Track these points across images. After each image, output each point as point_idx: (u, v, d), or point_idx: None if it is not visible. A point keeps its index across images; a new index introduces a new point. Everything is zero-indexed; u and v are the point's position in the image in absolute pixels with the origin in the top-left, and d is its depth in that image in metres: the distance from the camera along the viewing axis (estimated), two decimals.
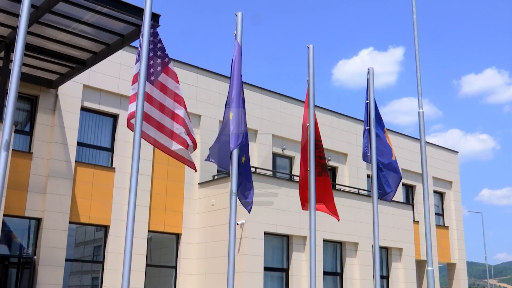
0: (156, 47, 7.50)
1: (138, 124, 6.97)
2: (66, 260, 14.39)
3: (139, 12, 10.96)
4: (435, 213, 25.96)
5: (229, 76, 8.29)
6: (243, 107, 8.05)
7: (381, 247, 18.18)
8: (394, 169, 10.41)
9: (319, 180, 9.21)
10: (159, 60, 7.54)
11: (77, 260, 15.29)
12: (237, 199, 7.87)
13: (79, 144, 15.42)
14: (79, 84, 15.29)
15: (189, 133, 7.71)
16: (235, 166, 7.82)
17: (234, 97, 7.93)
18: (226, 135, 7.96)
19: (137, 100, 7.04)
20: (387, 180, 10.29)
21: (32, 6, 10.37)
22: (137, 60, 7.31)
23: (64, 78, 14.26)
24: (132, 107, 7.14)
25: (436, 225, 25.23)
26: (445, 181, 26.69)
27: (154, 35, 7.45)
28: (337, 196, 18.26)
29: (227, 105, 8.06)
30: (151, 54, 7.44)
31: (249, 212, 8.49)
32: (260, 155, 18.98)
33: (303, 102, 18.24)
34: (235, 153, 7.87)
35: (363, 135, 10.27)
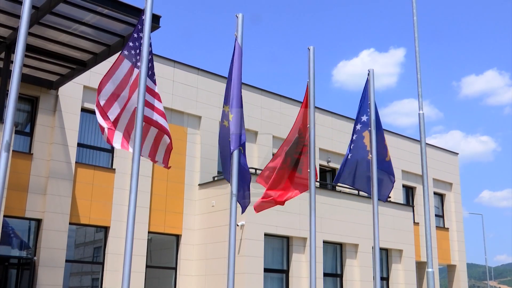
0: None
1: (139, 125, 6.98)
2: (66, 261, 14.39)
3: (139, 13, 10.97)
4: (435, 215, 25.96)
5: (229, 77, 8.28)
6: (242, 107, 8.07)
7: (381, 249, 18.17)
8: (388, 170, 10.38)
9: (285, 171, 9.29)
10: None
11: (77, 261, 15.29)
12: (237, 200, 7.87)
13: (79, 145, 15.43)
14: (80, 85, 15.30)
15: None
16: (235, 167, 7.81)
17: (235, 98, 7.94)
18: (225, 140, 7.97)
19: (138, 101, 7.05)
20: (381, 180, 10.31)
21: (33, 7, 10.39)
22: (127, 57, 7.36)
23: (65, 79, 14.27)
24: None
25: (436, 226, 25.22)
26: (445, 183, 26.69)
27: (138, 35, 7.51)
28: (337, 198, 18.31)
29: (227, 105, 8.05)
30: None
31: (241, 213, 8.50)
32: (260, 156, 18.99)
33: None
34: (235, 154, 7.87)
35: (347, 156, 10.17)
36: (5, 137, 5.92)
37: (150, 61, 7.48)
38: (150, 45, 7.44)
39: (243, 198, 8.18)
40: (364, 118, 10.28)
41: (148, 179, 16.24)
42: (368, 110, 10.23)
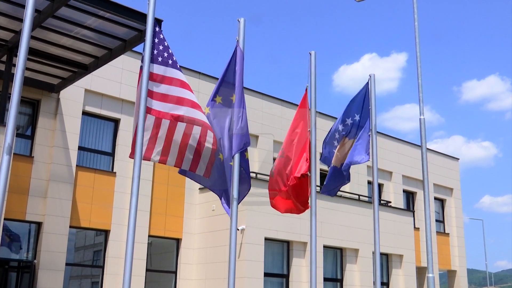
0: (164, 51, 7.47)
1: (140, 128, 6.98)
2: (66, 264, 14.37)
3: (141, 17, 11.01)
4: (436, 220, 25.92)
5: (229, 80, 8.24)
6: (244, 107, 8.07)
7: (381, 254, 18.15)
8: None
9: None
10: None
11: (77, 264, 15.27)
12: (237, 204, 7.84)
13: (80, 148, 15.43)
14: (81, 89, 15.32)
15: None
16: (236, 170, 7.80)
17: (237, 99, 7.95)
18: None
19: (139, 104, 7.05)
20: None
21: (35, 10, 10.41)
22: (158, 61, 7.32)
23: (66, 82, 14.29)
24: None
25: (436, 232, 25.19)
26: (445, 188, 26.67)
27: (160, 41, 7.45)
28: (338, 202, 18.29)
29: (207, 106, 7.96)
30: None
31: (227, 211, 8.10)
32: (260, 160, 18.99)
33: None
34: (236, 157, 7.86)
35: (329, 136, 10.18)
36: (7, 140, 5.92)
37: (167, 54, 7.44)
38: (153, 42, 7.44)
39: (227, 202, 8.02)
40: (348, 121, 10.12)
41: (149, 183, 16.24)
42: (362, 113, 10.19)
